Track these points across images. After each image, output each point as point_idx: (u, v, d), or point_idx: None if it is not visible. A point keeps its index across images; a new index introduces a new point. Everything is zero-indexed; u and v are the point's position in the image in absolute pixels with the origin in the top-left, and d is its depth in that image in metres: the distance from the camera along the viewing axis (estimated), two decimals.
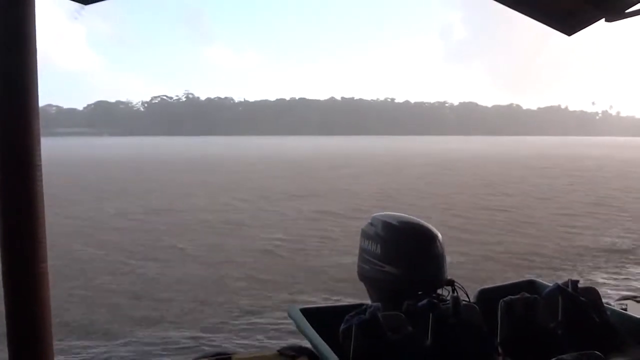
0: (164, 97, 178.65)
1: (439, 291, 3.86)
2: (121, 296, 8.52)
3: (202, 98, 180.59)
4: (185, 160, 45.17)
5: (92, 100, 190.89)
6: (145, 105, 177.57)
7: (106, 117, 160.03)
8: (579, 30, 6.13)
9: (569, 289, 3.57)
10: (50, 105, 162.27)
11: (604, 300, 3.89)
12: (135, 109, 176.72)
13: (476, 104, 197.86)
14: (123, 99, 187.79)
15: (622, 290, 8.46)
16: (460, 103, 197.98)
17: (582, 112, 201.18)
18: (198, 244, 12.45)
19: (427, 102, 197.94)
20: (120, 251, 11.64)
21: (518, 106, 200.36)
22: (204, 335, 6.83)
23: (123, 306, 8.03)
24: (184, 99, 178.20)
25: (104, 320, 7.40)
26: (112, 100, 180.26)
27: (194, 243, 12.52)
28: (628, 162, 44.14)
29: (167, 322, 7.34)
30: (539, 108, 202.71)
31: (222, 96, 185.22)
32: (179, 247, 12.12)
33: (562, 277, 6.40)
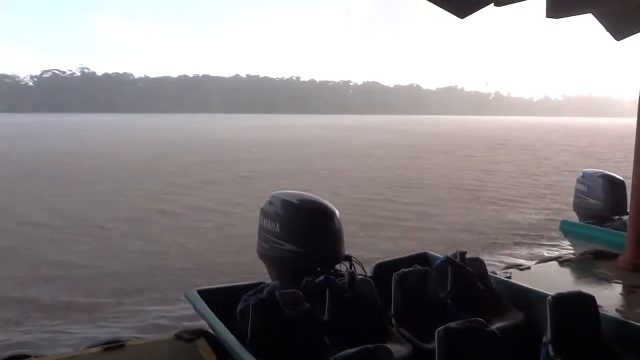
0: (56, 72, 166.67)
1: (337, 267, 3.94)
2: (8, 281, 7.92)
3: (99, 73, 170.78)
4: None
5: None
6: (35, 79, 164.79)
7: None
8: (471, 13, 6.42)
9: (458, 260, 3.78)
10: None
11: (489, 269, 4.17)
12: (23, 83, 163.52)
13: (379, 84, 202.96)
14: (9, 72, 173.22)
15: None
16: (364, 82, 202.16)
17: (477, 92, 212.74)
18: (90, 233, 11.85)
19: (331, 81, 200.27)
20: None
21: (419, 86, 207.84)
22: (95, 323, 6.48)
23: (10, 292, 7.48)
24: (79, 74, 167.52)
25: None
26: None
27: (85, 230, 11.91)
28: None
29: (58, 310, 6.92)
30: (437, 88, 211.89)
31: (121, 71, 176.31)
32: (69, 233, 11.48)
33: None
